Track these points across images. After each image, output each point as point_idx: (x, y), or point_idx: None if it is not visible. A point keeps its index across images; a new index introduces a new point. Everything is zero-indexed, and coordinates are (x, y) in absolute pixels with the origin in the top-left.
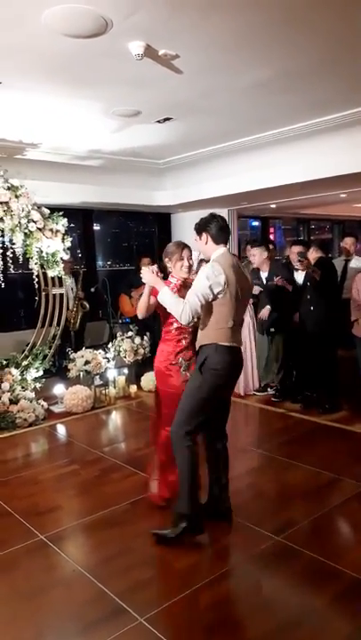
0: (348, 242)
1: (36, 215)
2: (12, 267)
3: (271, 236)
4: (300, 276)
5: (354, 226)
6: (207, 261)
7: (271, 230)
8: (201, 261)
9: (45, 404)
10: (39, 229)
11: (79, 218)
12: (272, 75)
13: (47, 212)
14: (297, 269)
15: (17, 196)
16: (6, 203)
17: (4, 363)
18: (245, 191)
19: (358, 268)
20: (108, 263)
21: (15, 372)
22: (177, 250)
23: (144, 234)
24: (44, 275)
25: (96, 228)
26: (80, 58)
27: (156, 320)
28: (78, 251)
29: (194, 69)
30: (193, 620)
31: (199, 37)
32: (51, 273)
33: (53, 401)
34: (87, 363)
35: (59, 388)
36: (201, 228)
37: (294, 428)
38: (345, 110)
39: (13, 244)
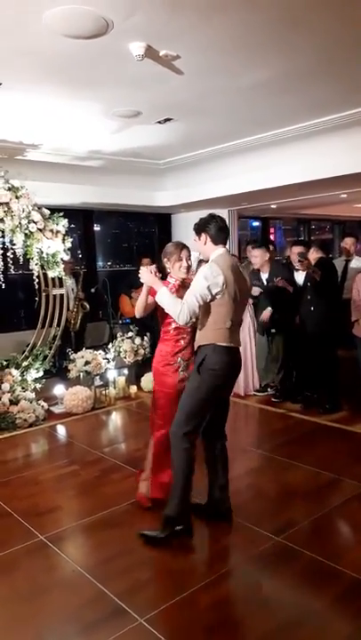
0: (348, 242)
1: (36, 216)
2: (12, 267)
3: (271, 237)
4: (300, 277)
5: (354, 226)
6: (206, 262)
7: (271, 231)
8: (200, 262)
9: (45, 404)
10: (40, 230)
11: (79, 218)
12: (271, 76)
13: (48, 212)
14: (297, 270)
15: (17, 197)
16: (7, 203)
17: (5, 363)
18: (246, 192)
19: (359, 269)
20: (109, 264)
21: (15, 372)
22: (176, 250)
23: (144, 234)
24: (45, 275)
25: (96, 228)
26: (81, 59)
27: (155, 320)
28: (79, 251)
29: (194, 70)
30: (193, 620)
31: (200, 38)
32: (51, 274)
33: (53, 401)
34: (87, 363)
35: (59, 389)
36: (200, 228)
37: (294, 429)
38: (344, 111)
39: (14, 244)
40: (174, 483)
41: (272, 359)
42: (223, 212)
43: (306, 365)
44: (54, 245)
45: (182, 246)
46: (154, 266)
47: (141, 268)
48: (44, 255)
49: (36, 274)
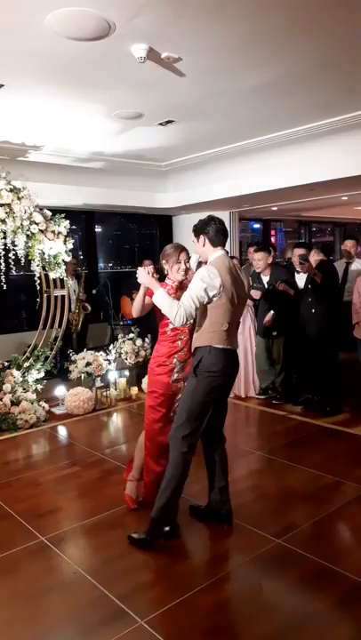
0: (348, 244)
1: (38, 217)
2: (13, 268)
3: (272, 239)
4: (301, 279)
5: (355, 228)
6: (206, 264)
7: (272, 233)
8: (200, 264)
9: (46, 405)
10: (41, 231)
11: (81, 220)
12: (273, 78)
13: (49, 213)
14: (298, 272)
15: (19, 198)
16: (8, 205)
17: (6, 364)
18: (247, 194)
19: (359, 271)
20: (110, 265)
21: (17, 373)
22: (175, 252)
23: (145, 236)
24: (46, 276)
25: (98, 229)
26: (83, 60)
27: (155, 321)
28: (80, 252)
29: (196, 72)
30: (193, 622)
31: (201, 41)
32: (52, 275)
33: (54, 403)
34: (88, 364)
35: (60, 390)
36: (199, 230)
37: (295, 431)
38: (345, 113)
39: (15, 245)
40: (164, 485)
41: (274, 361)
42: (224, 214)
43: (307, 368)
44: (56, 247)
45: (181, 249)
46: (151, 267)
47: (139, 268)
48: (46, 256)
49: (37, 275)
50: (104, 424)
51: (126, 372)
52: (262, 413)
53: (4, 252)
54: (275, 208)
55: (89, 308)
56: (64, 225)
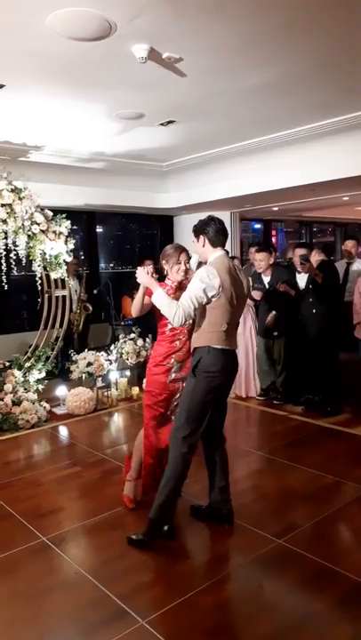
0: (348, 245)
1: (39, 217)
2: (15, 269)
3: (273, 239)
4: (302, 279)
5: (356, 229)
6: (206, 264)
7: (273, 233)
8: (200, 264)
9: (48, 405)
10: (42, 231)
11: (82, 220)
12: (273, 78)
13: (50, 214)
14: (299, 272)
15: (20, 199)
16: (10, 205)
17: (7, 364)
18: (248, 194)
19: (360, 271)
20: (111, 265)
21: (18, 373)
22: (175, 253)
23: (146, 236)
24: (47, 277)
25: (99, 230)
26: (84, 61)
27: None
28: (81, 253)
29: (197, 72)
30: (194, 622)
31: (202, 41)
32: (53, 275)
33: (56, 403)
34: (89, 365)
35: (61, 390)
36: (198, 230)
37: (296, 431)
38: (346, 114)
39: (17, 246)
40: (164, 483)
41: (273, 362)
42: (225, 215)
43: (307, 368)
44: (57, 247)
45: (181, 249)
46: (150, 266)
47: (138, 268)
48: (47, 257)
49: (38, 275)
50: (105, 424)
51: (127, 372)
52: (263, 413)
53: (5, 253)
54: (276, 208)
55: (90, 308)
56: (65, 225)
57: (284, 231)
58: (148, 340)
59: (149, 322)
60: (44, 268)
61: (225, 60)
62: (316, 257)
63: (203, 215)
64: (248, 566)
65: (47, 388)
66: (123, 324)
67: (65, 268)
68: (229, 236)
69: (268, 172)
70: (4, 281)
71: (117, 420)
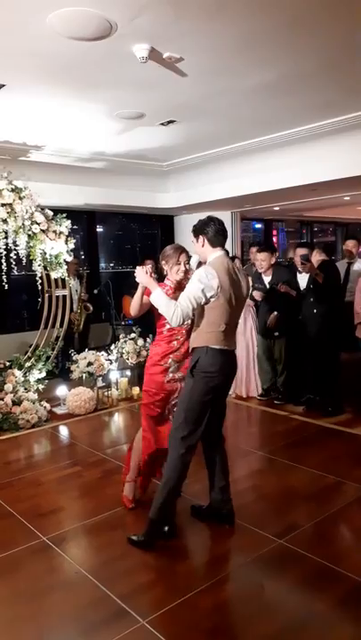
0: (349, 244)
1: (39, 217)
2: (15, 268)
3: (274, 239)
4: (303, 279)
5: (357, 228)
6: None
7: (274, 233)
8: (200, 264)
9: (48, 405)
10: (43, 231)
11: (82, 220)
12: (274, 78)
13: (51, 213)
14: (300, 272)
15: (21, 198)
16: (10, 204)
17: (8, 364)
18: (248, 194)
19: None
20: (111, 265)
21: (18, 373)
22: (174, 254)
23: (147, 236)
24: (48, 276)
25: (99, 229)
26: (84, 60)
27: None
28: (82, 252)
29: (198, 72)
30: (195, 622)
31: (203, 41)
32: (54, 275)
33: (56, 402)
34: (90, 364)
35: (61, 390)
36: (198, 230)
37: (297, 431)
38: (347, 114)
39: (17, 245)
40: (163, 484)
41: (274, 362)
42: (226, 214)
43: (308, 368)
44: (57, 246)
45: (181, 250)
46: (149, 266)
47: (137, 267)
48: (47, 256)
49: (38, 275)
50: (105, 424)
51: (128, 372)
52: (264, 413)
53: (5, 252)
54: (276, 208)
55: (91, 308)
56: (65, 225)
57: (284, 231)
58: (148, 339)
59: (150, 321)
60: (45, 268)
61: (226, 60)
62: (317, 257)
63: (203, 215)
64: (249, 566)
65: (47, 387)
66: (123, 323)
67: (65, 267)
68: (230, 235)
69: (269, 172)
70: (5, 280)
71: (118, 420)
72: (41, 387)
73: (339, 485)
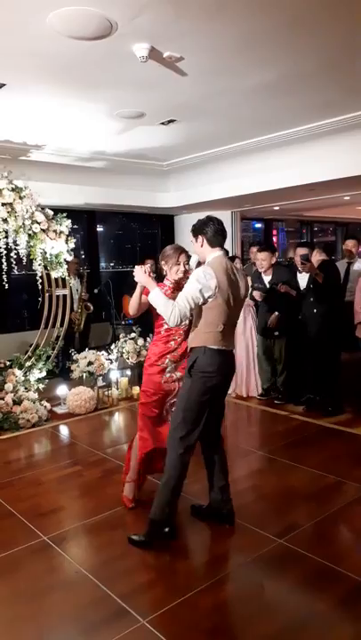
0: (349, 244)
1: (40, 216)
2: (15, 268)
3: (274, 238)
4: (303, 279)
5: (357, 228)
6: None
7: (274, 232)
8: (199, 264)
9: (48, 404)
10: (43, 231)
11: (83, 219)
12: (274, 77)
13: (51, 213)
14: (300, 271)
15: (21, 198)
16: (10, 204)
17: (8, 363)
18: (249, 193)
19: None
20: (112, 265)
21: (18, 372)
22: (174, 254)
23: (147, 235)
24: (48, 276)
25: (99, 229)
26: (84, 60)
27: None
28: (82, 252)
29: (198, 72)
30: (195, 622)
31: (203, 40)
32: (54, 274)
33: (56, 402)
34: (90, 364)
35: (62, 390)
36: (197, 230)
37: (297, 431)
38: (347, 113)
39: (17, 245)
40: (163, 484)
41: (274, 361)
42: (226, 214)
43: (308, 367)
44: (57, 246)
45: (181, 250)
46: (148, 265)
47: (136, 267)
48: (48, 256)
49: (39, 274)
50: (106, 423)
51: (128, 372)
52: (264, 413)
53: (5, 252)
54: (276, 208)
55: (91, 307)
56: (66, 224)
57: (284, 231)
58: (148, 339)
59: (150, 321)
60: (45, 267)
61: (226, 60)
62: (317, 256)
63: (203, 214)
64: (249, 566)
65: (48, 387)
66: (123, 323)
67: (65, 267)
68: (230, 235)
69: (269, 171)
70: (5, 280)
71: (118, 420)
72: (41, 386)
73: (339, 485)
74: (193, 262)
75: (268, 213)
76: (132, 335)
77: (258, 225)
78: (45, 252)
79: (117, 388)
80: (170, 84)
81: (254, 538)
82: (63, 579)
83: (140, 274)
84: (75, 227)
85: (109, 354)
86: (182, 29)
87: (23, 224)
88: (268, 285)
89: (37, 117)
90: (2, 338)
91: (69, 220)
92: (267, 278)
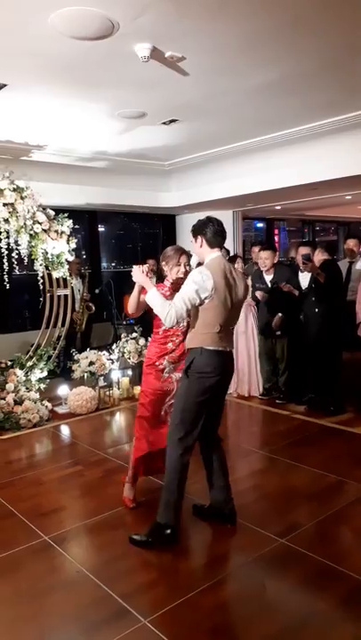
0: (350, 243)
1: (41, 217)
2: (17, 268)
3: (276, 238)
4: (305, 278)
5: (359, 227)
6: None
7: (275, 232)
8: (199, 264)
9: (49, 404)
10: (44, 231)
11: (84, 219)
12: (276, 77)
13: (52, 213)
14: (302, 271)
15: (22, 198)
16: (12, 204)
17: (9, 363)
18: (250, 193)
19: None
20: (113, 264)
21: (20, 372)
22: (175, 255)
23: (149, 235)
24: (49, 276)
25: (101, 229)
26: (86, 60)
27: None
28: (83, 252)
29: (200, 71)
30: (197, 622)
31: (205, 40)
32: (56, 274)
33: (57, 402)
34: (91, 364)
35: (63, 389)
36: (196, 231)
37: (299, 430)
38: (349, 113)
39: (19, 245)
40: (165, 486)
41: (276, 361)
42: (228, 213)
43: (310, 367)
44: (59, 246)
45: (182, 252)
46: (146, 266)
47: (134, 267)
48: (49, 256)
49: (40, 274)
50: (107, 423)
51: (129, 372)
52: (265, 413)
53: (7, 252)
54: (278, 207)
55: (93, 308)
56: (67, 224)
57: (286, 230)
58: (149, 339)
59: (151, 321)
60: (46, 268)
61: (228, 60)
62: (319, 256)
63: (205, 214)
64: (250, 566)
65: (49, 387)
66: (125, 323)
67: (67, 267)
68: (232, 235)
69: (271, 171)
70: (7, 280)
71: (119, 420)
72: (42, 386)
73: (340, 485)
74: (193, 262)
75: (270, 213)
76: (134, 335)
77: (260, 224)
78: (47, 253)
79: (119, 388)
80: (172, 84)
81: (256, 537)
82: (64, 579)
83: (138, 274)
84: (76, 227)
85: (111, 354)
86: (184, 29)
87: (24, 224)
88: (269, 285)
89: (39, 117)
90: (3, 338)
91: (71, 221)
92: (268, 277)
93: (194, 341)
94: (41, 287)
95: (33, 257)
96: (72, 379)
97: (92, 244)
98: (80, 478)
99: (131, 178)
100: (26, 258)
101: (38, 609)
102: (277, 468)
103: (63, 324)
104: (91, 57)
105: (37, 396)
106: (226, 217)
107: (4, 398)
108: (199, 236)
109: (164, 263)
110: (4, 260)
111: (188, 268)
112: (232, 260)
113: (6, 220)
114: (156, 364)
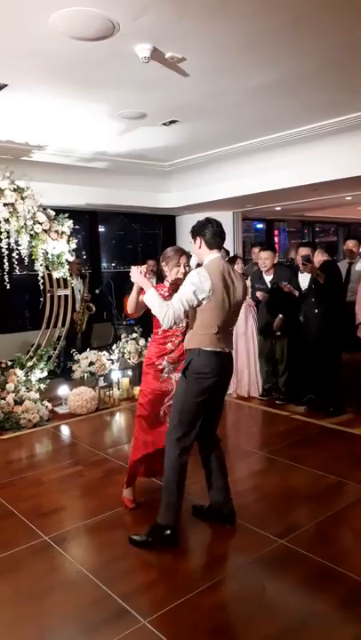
0: (350, 244)
1: (41, 217)
2: (17, 268)
3: (275, 239)
4: (304, 279)
5: (359, 228)
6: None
7: (275, 233)
8: (198, 266)
9: (50, 405)
10: (45, 231)
11: (84, 220)
12: (277, 78)
13: (53, 213)
14: (301, 272)
15: (23, 198)
16: (12, 204)
17: (9, 363)
18: (250, 194)
19: None
20: (113, 265)
21: (20, 372)
22: (175, 256)
23: (149, 236)
24: (50, 276)
25: (101, 229)
26: (86, 60)
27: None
28: (83, 252)
29: (200, 72)
30: (196, 622)
31: (205, 41)
32: (56, 274)
33: (58, 402)
34: (91, 364)
35: (63, 390)
36: (195, 232)
37: (298, 431)
38: (349, 114)
39: (19, 245)
40: (164, 487)
41: (275, 362)
42: (228, 214)
43: (310, 368)
44: (59, 246)
45: (182, 252)
46: (144, 267)
47: (132, 267)
48: (49, 256)
49: (40, 274)
50: (107, 424)
51: (129, 372)
52: (265, 413)
53: (7, 252)
54: (278, 208)
55: (93, 308)
56: (67, 225)
57: (286, 231)
58: (149, 339)
59: (151, 322)
60: (47, 268)
61: (228, 60)
62: (319, 257)
63: (205, 215)
64: (250, 566)
65: (49, 387)
66: (125, 323)
67: (67, 267)
68: (232, 235)
69: (271, 172)
70: (7, 280)
71: (119, 420)
72: (43, 386)
73: (340, 485)
74: (193, 263)
75: (270, 214)
76: (134, 335)
77: (259, 225)
78: (47, 253)
79: (119, 389)
80: (172, 85)
81: (255, 538)
82: (64, 579)
83: (136, 274)
84: (76, 227)
85: (111, 354)
86: (184, 30)
87: (25, 224)
88: (269, 285)
89: (39, 118)
90: (3, 338)
91: (71, 221)
92: (268, 278)
93: (192, 342)
94: (41, 287)
95: (33, 257)
96: (72, 379)
97: (93, 245)
98: (80, 478)
99: (131, 178)
100: (26, 258)
101: (38, 609)
102: (277, 468)
103: (63, 325)
104: (91, 57)
105: (37, 396)
106: (226, 218)
107: (4, 398)
108: (198, 238)
109: (164, 264)
110: (5, 260)
111: (187, 268)
112: (232, 260)
113: (7, 220)
114: (156, 364)
